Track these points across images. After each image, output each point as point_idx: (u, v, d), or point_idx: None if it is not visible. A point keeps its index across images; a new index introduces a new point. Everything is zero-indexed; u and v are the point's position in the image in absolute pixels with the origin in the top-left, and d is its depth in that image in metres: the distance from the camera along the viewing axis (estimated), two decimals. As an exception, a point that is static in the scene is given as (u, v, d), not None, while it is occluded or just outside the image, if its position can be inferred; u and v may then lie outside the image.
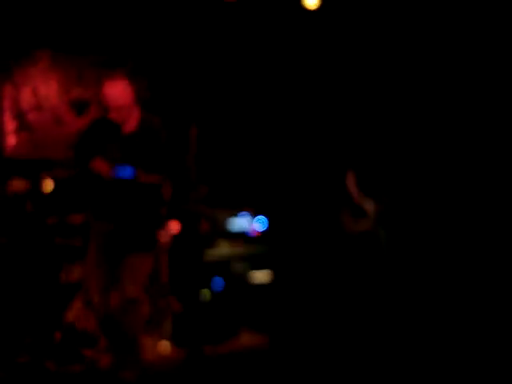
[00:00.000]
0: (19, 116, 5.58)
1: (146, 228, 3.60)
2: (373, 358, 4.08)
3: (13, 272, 4.77)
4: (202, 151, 4.40)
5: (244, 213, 5.63)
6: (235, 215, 5.51)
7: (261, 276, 5.26)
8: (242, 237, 5.49)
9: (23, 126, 5.51)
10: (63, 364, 4.13)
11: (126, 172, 3.48)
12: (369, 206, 4.80)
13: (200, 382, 3.48)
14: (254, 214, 5.65)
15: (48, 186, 4.04)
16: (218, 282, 4.93)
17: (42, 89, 5.90)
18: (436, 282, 4.77)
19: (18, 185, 4.40)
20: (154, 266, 3.85)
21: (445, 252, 4.84)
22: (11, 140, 5.76)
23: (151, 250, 3.65)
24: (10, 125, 5.65)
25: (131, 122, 3.64)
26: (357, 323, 4.79)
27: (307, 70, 6.29)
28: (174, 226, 3.88)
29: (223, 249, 5.26)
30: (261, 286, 5.28)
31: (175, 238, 4.13)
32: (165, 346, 4.51)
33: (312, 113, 6.32)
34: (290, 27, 6.17)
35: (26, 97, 5.81)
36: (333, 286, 5.36)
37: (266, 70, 6.38)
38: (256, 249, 5.46)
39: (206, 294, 4.51)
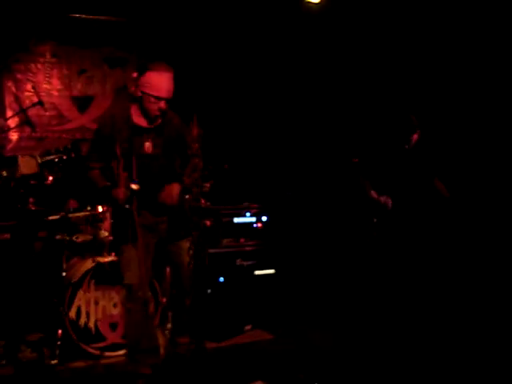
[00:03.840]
0: (20, 112, 5.53)
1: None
2: (375, 352, 4.07)
3: (15, 268, 4.75)
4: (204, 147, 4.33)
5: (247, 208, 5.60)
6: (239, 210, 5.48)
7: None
8: (246, 231, 5.46)
9: (24, 122, 5.46)
10: (66, 360, 4.09)
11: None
12: (386, 200, 4.70)
13: (203, 378, 3.43)
14: (257, 209, 5.61)
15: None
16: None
17: (44, 85, 5.88)
18: (437, 275, 4.79)
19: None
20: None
21: (447, 250, 4.85)
22: (13, 136, 5.74)
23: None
24: (12, 121, 5.62)
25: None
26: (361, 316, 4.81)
27: (311, 67, 6.28)
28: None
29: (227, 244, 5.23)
30: (265, 281, 5.25)
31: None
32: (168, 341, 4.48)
33: (316, 110, 6.31)
34: (291, 23, 6.16)
35: (27, 93, 5.79)
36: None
37: (270, 66, 6.36)
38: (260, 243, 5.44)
39: None
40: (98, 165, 3.58)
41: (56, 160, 3.56)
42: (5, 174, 3.61)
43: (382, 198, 4.71)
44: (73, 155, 3.60)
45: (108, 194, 3.53)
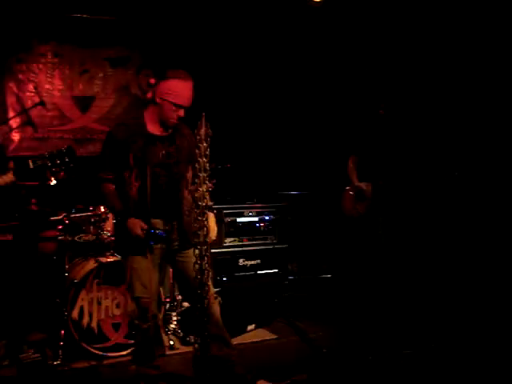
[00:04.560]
0: (22, 112, 5.53)
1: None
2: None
3: (18, 269, 4.75)
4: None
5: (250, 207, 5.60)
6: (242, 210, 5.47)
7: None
8: (250, 231, 5.45)
9: (26, 122, 5.46)
10: (68, 361, 4.08)
11: (158, 236, 3.40)
12: (366, 188, 5.02)
13: (207, 378, 3.42)
14: (261, 209, 5.61)
15: None
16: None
17: (45, 85, 5.87)
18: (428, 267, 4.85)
19: None
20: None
21: (438, 239, 4.92)
22: (15, 136, 5.73)
23: None
24: (14, 121, 5.61)
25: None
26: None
27: (313, 66, 6.28)
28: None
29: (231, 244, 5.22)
30: (269, 281, 5.25)
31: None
32: (172, 342, 4.47)
33: (318, 109, 6.32)
34: (292, 21, 6.17)
35: (29, 93, 5.78)
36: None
37: (274, 65, 6.37)
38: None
39: None
40: (110, 175, 3.47)
41: (49, 164, 3.52)
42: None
43: (363, 185, 5.03)
44: (66, 159, 3.55)
45: (123, 221, 3.44)
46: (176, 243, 3.55)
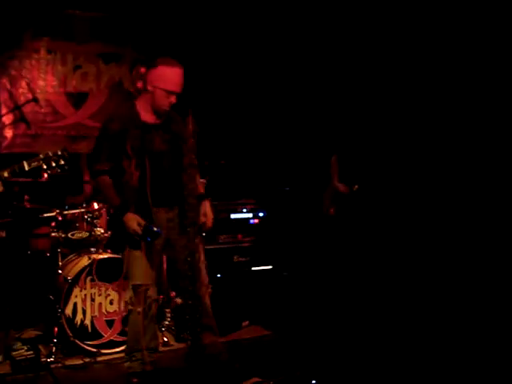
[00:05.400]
0: (15, 109, 5.50)
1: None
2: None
3: (10, 265, 4.74)
4: (201, 142, 4.33)
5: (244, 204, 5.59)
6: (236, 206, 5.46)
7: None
8: (243, 227, 5.44)
9: (19, 119, 5.43)
10: (62, 358, 4.08)
11: (155, 233, 3.39)
12: (343, 189, 5.07)
13: (200, 375, 3.43)
14: (254, 205, 5.60)
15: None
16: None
17: (39, 81, 5.85)
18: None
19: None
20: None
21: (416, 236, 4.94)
22: (8, 133, 5.71)
23: None
24: (6, 118, 5.59)
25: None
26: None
27: (306, 64, 6.27)
28: None
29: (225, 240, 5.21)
30: (263, 277, 5.25)
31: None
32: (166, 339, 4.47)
33: (311, 105, 6.31)
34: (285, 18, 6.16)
35: (22, 89, 5.75)
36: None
37: (266, 61, 6.35)
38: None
39: None
40: (106, 166, 3.47)
41: (44, 167, 3.52)
42: (6, 174, 3.56)
43: (341, 186, 5.08)
44: (62, 162, 3.55)
45: (120, 216, 3.43)
46: (175, 231, 3.56)
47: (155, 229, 3.38)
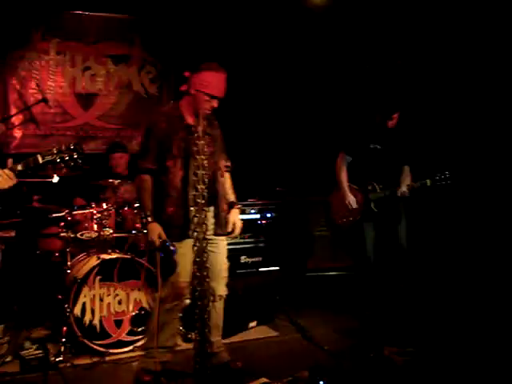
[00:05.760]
0: (25, 109, 5.54)
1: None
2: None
3: (20, 265, 4.76)
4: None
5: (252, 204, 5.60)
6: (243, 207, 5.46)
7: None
8: (251, 228, 5.45)
9: (29, 119, 5.47)
10: (70, 357, 4.09)
11: (170, 251, 3.44)
12: (352, 199, 4.82)
13: (210, 375, 3.43)
14: (262, 206, 5.61)
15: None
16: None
17: (48, 82, 5.88)
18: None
19: None
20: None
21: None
22: (17, 133, 5.74)
23: None
24: (16, 118, 5.62)
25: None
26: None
27: (312, 64, 6.28)
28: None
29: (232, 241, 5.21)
30: (270, 278, 5.25)
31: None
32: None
33: (317, 106, 6.32)
34: (292, 20, 6.17)
35: (32, 90, 5.79)
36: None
37: (274, 62, 6.36)
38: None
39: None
40: (152, 166, 3.55)
41: (58, 160, 3.52)
42: (20, 167, 3.56)
43: (351, 198, 4.80)
44: (75, 155, 3.55)
45: (146, 221, 3.51)
46: (209, 232, 3.58)
47: (171, 247, 3.45)
